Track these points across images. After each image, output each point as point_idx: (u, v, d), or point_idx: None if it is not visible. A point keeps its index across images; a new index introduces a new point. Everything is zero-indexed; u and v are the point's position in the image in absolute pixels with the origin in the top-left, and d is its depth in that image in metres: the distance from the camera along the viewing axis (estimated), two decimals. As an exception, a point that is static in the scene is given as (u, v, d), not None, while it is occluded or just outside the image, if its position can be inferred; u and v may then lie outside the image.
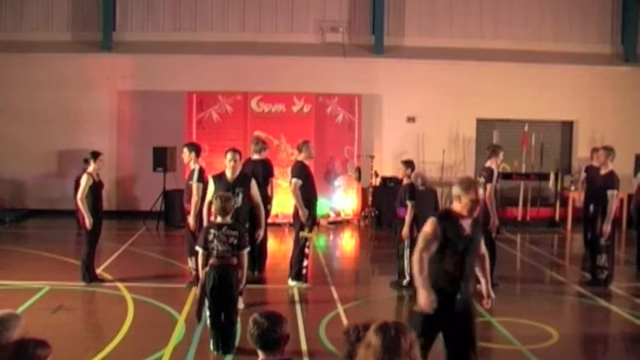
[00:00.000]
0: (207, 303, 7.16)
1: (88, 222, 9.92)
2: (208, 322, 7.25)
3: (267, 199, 10.78)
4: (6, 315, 4.05)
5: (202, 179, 9.72)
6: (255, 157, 11.06)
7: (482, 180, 10.15)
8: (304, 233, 9.99)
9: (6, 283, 9.94)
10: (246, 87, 16.30)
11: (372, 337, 3.17)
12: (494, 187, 10.02)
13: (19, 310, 8.22)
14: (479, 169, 12.09)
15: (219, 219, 7.26)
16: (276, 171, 12.72)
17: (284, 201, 13.87)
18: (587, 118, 17.68)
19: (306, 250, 10.09)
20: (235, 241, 7.07)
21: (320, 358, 7.16)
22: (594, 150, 12.99)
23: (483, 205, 10.07)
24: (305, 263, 10.07)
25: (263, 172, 10.81)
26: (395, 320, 3.28)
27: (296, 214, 10.06)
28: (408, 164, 10.25)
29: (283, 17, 17.76)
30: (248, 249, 7.32)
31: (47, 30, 17.32)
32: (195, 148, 10.21)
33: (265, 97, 16.08)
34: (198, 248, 7.29)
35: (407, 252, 10.02)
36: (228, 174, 9.04)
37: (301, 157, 10.12)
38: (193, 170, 9.88)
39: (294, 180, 9.89)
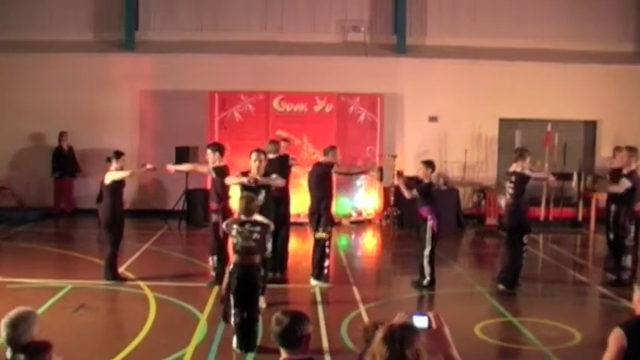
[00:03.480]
0: (232, 302, 7.18)
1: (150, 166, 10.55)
2: (232, 320, 7.28)
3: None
4: (23, 313, 4.06)
5: (224, 173, 9.87)
6: (270, 156, 11.02)
7: (511, 185, 10.07)
8: (319, 234, 10.05)
9: (29, 281, 10.03)
10: (268, 86, 16.30)
11: (378, 348, 3.03)
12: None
13: (42, 309, 8.30)
14: (501, 169, 11.99)
15: (242, 218, 7.33)
16: (297, 170, 12.72)
17: (305, 200, 13.86)
18: (610, 118, 17.47)
19: (327, 250, 10.14)
20: (259, 237, 7.14)
21: (342, 358, 7.16)
22: (617, 149, 12.85)
23: (511, 210, 10.05)
24: (326, 263, 10.11)
25: (278, 170, 10.80)
26: (402, 324, 3.14)
27: (311, 214, 10.26)
28: (428, 164, 10.24)
29: (305, 17, 17.72)
30: (268, 253, 7.42)
31: (70, 30, 17.31)
32: (219, 149, 10.33)
33: (287, 96, 16.08)
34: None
35: (426, 251, 10.02)
36: (254, 173, 9.22)
37: (325, 160, 10.26)
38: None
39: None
